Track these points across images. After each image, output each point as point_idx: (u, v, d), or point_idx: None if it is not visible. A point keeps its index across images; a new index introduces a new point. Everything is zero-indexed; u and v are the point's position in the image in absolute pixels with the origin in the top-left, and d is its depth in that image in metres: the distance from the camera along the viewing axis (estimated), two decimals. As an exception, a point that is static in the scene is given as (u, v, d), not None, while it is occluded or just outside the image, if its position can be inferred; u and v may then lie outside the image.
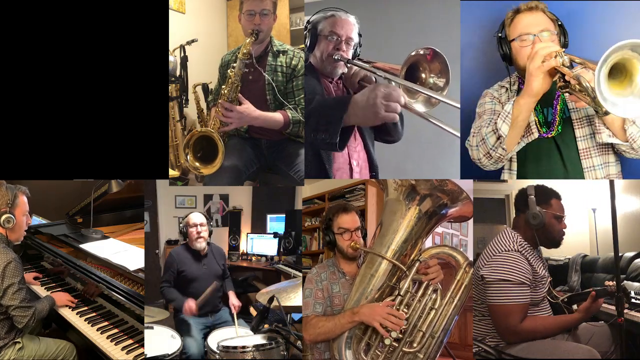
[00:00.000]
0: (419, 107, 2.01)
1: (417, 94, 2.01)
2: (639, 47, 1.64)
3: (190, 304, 2.56)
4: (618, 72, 1.70)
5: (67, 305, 2.28)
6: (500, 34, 2.17)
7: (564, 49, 1.90)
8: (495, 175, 2.24)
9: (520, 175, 2.20)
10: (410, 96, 2.00)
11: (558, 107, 2.12)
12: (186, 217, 2.82)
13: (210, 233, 2.84)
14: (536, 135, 2.08)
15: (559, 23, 2.11)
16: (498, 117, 2.02)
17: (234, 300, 2.73)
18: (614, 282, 1.97)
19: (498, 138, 2.01)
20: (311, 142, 2.11)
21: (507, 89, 2.22)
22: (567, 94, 1.91)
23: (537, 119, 2.11)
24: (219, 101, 2.34)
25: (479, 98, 2.30)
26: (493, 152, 2.04)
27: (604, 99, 1.66)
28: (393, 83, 1.99)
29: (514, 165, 2.18)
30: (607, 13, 2.34)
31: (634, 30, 2.34)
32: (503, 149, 2.02)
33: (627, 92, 1.71)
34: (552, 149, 2.13)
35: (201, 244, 2.77)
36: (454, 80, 2.03)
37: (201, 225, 2.77)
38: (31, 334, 2.15)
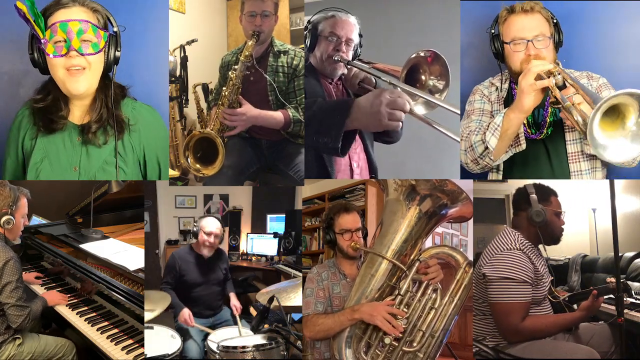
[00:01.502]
0: (419, 110, 2.00)
1: (417, 96, 2.00)
2: (635, 95, 1.65)
3: (186, 316, 2.52)
4: (612, 111, 1.69)
5: (60, 304, 2.28)
6: (493, 31, 2.15)
7: (557, 68, 1.88)
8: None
9: (506, 177, 2.20)
10: (410, 98, 2.00)
11: (549, 109, 2.10)
12: (201, 219, 2.78)
13: (221, 240, 2.81)
14: (524, 146, 2.06)
15: (554, 21, 2.09)
16: (488, 127, 2.02)
17: (235, 302, 2.73)
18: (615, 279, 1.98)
19: (486, 148, 2.02)
20: (313, 146, 2.10)
21: (497, 88, 2.21)
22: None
23: (526, 120, 2.09)
24: (221, 108, 2.34)
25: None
26: (480, 160, 2.06)
27: (594, 141, 1.68)
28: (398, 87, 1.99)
29: (501, 166, 2.18)
30: (606, 13, 2.35)
31: (634, 30, 2.34)
32: (490, 158, 2.04)
33: (617, 134, 1.72)
34: (541, 151, 2.13)
35: (208, 253, 2.75)
36: (453, 80, 2.03)
37: (216, 236, 2.73)
38: (31, 332, 2.15)
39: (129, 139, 2.00)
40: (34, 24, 1.79)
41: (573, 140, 2.10)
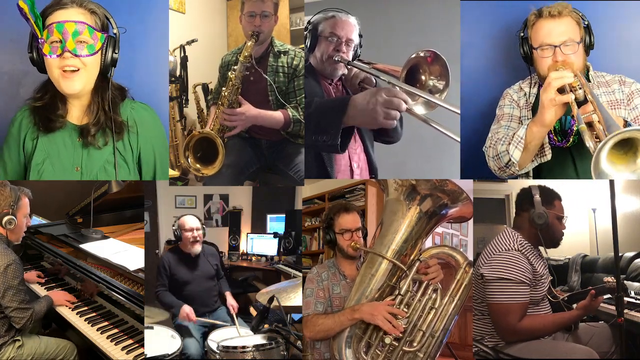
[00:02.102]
0: (419, 110, 2.01)
1: (417, 96, 2.00)
2: None
3: (187, 311, 2.52)
4: (625, 143, 1.65)
5: (65, 305, 2.28)
6: (522, 34, 2.11)
7: (578, 81, 1.84)
8: (494, 176, 2.23)
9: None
10: (410, 98, 2.00)
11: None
12: (179, 219, 2.78)
13: (204, 234, 2.81)
14: (549, 157, 2.05)
15: (585, 24, 2.04)
16: (512, 137, 2.00)
17: (231, 301, 2.72)
18: (613, 278, 1.97)
19: (510, 159, 2.01)
20: (312, 145, 2.12)
21: (525, 93, 2.18)
22: None
23: (552, 128, 2.05)
24: (220, 108, 2.34)
25: (478, 99, 2.30)
26: (506, 169, 2.06)
27: (600, 172, 1.64)
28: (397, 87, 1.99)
29: (530, 173, 2.16)
30: (606, 13, 2.34)
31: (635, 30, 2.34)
32: (516, 169, 2.03)
33: (625, 168, 1.67)
34: (567, 159, 2.11)
35: (197, 248, 2.74)
36: (453, 80, 2.03)
37: (197, 229, 2.75)
38: (31, 333, 2.15)
39: (128, 138, 2.00)
40: (33, 23, 1.80)
41: None
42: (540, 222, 2.04)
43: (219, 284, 2.84)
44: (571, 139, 2.07)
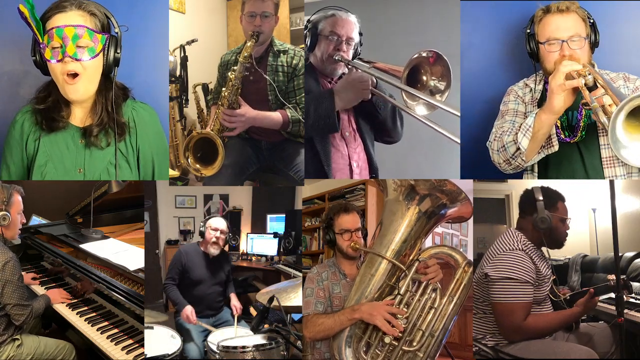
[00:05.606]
0: (420, 110, 2.00)
1: (418, 97, 2.00)
2: None
3: (188, 313, 2.53)
4: (638, 113, 1.66)
5: (63, 302, 2.28)
6: (528, 30, 2.13)
7: (587, 68, 1.85)
8: (494, 175, 2.23)
9: (540, 178, 2.17)
10: (411, 99, 2.00)
11: (584, 112, 2.06)
12: (208, 219, 2.80)
13: (227, 241, 2.83)
14: (557, 148, 2.03)
15: (591, 22, 2.06)
16: (520, 127, 2.00)
17: (235, 303, 2.73)
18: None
19: (518, 149, 1.99)
20: (313, 134, 2.23)
21: (531, 89, 2.18)
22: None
23: (559, 122, 2.06)
24: (220, 109, 2.34)
25: (478, 98, 2.29)
26: (512, 160, 2.04)
27: (614, 137, 1.65)
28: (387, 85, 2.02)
29: (535, 167, 2.15)
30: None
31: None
32: (522, 159, 2.01)
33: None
34: (575, 154, 2.10)
35: (215, 250, 2.75)
36: (454, 80, 2.03)
37: (222, 232, 2.76)
38: (30, 333, 2.16)
39: (129, 139, 2.00)
40: (34, 28, 1.79)
41: (607, 144, 2.03)
42: (544, 226, 2.03)
43: (226, 287, 2.85)
44: (579, 134, 2.07)
